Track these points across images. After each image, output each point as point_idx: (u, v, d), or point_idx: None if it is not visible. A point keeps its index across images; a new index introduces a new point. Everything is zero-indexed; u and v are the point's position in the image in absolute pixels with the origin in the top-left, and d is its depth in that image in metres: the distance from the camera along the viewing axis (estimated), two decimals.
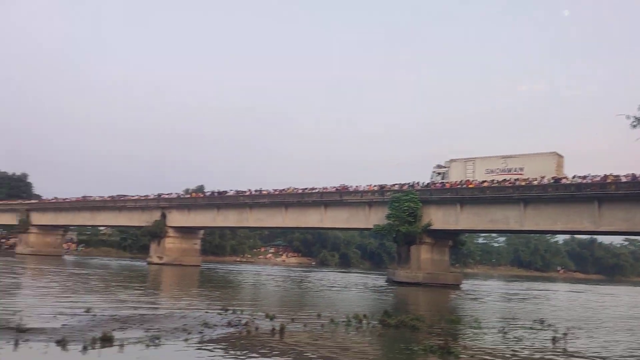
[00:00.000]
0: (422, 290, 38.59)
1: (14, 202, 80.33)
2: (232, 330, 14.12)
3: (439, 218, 43.43)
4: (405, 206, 42.99)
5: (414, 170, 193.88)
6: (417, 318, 17.14)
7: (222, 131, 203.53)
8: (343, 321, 16.52)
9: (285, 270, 66.36)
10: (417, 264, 43.64)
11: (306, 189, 51.96)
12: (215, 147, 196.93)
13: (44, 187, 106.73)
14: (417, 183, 46.00)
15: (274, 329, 14.20)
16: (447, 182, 44.99)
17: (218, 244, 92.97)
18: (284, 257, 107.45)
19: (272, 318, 16.32)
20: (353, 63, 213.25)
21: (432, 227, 43.07)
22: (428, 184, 46.13)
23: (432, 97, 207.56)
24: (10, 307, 16.38)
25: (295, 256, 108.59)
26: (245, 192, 56.59)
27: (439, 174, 47.16)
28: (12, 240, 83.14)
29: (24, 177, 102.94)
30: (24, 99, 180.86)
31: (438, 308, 27.90)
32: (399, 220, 43.12)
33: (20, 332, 11.53)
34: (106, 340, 11.17)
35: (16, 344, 10.59)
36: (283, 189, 53.76)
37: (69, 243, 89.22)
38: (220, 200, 57.79)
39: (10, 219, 76.80)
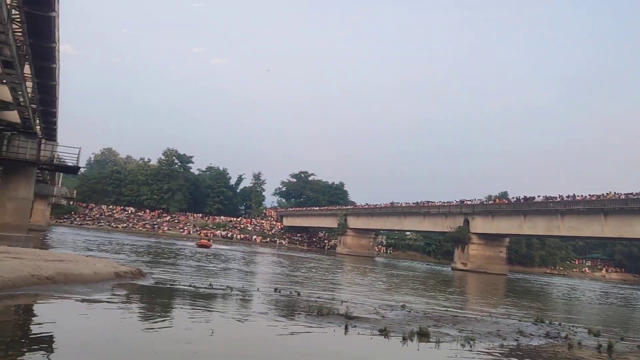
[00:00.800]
0: None
1: (334, 208, 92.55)
2: (550, 341, 13.01)
3: None
4: None
5: None
6: None
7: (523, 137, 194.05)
8: None
9: (606, 287, 58.61)
10: None
11: (631, 193, 45.00)
12: (517, 154, 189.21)
13: (357, 194, 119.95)
14: None
15: (600, 346, 12.52)
16: None
17: (525, 253, 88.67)
18: (603, 271, 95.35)
19: (596, 334, 14.47)
20: None
21: None
22: None
23: None
24: (339, 298, 18.55)
25: (617, 271, 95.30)
26: (555, 197, 52.25)
27: None
28: (332, 242, 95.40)
29: (341, 185, 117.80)
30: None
31: None
32: None
33: (349, 319, 12.91)
34: (423, 335, 11.59)
35: (346, 329, 11.88)
36: (601, 194, 47.76)
37: (379, 246, 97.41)
38: (527, 207, 54.79)
39: (331, 223, 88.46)
